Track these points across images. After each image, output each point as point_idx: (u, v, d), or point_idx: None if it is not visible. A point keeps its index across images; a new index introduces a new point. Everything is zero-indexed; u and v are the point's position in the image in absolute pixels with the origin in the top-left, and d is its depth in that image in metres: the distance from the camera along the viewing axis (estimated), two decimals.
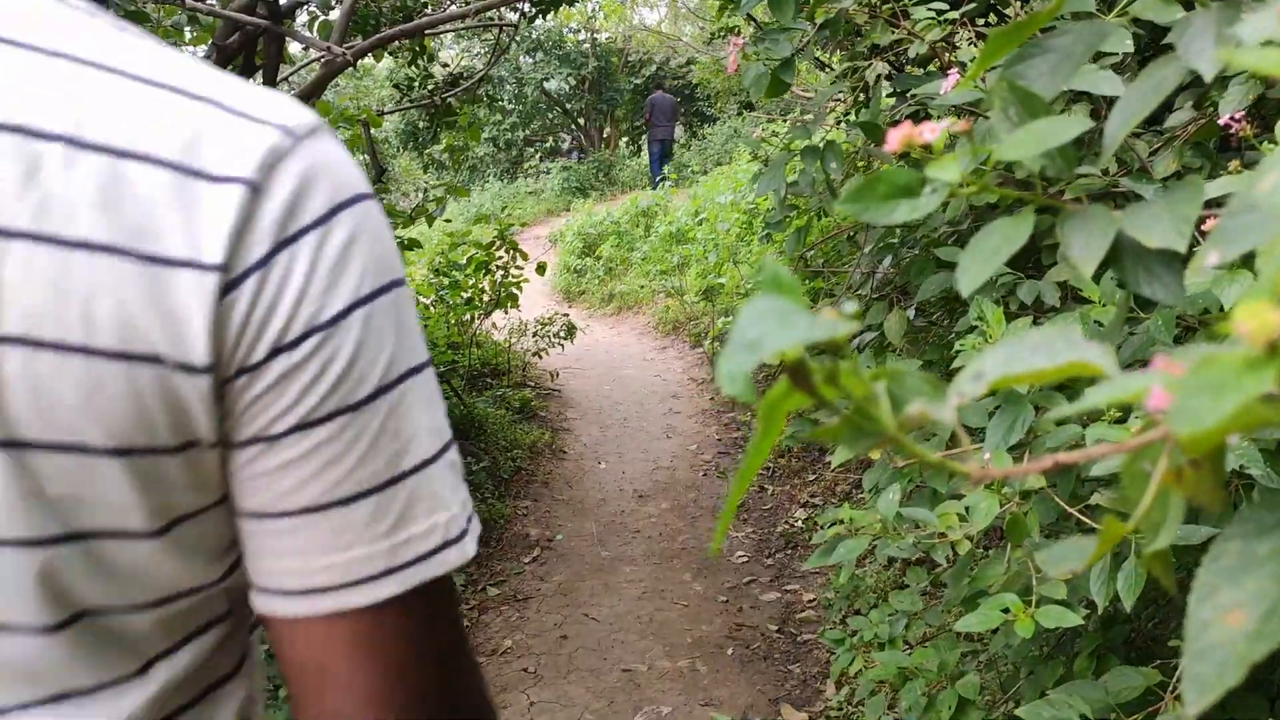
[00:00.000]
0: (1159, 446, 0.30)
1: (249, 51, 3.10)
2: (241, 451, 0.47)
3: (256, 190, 0.44)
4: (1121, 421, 1.26)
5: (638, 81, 16.98)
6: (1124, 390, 0.24)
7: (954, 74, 0.96)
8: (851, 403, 0.26)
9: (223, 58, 2.94)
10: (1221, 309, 1.13)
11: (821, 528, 1.75)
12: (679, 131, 15.95)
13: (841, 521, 1.70)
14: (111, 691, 0.50)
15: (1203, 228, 0.74)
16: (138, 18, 2.65)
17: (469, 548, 0.51)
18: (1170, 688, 1.27)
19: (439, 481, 0.51)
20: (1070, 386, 1.34)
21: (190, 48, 3.28)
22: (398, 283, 0.49)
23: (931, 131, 0.36)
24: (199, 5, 2.71)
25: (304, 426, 0.47)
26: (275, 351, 0.45)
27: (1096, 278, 1.43)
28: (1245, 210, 0.32)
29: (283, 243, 0.45)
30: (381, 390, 0.48)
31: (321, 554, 0.48)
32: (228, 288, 0.44)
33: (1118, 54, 1.37)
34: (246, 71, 3.23)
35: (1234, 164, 1.05)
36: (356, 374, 0.47)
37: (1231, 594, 0.26)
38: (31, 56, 0.43)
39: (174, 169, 0.44)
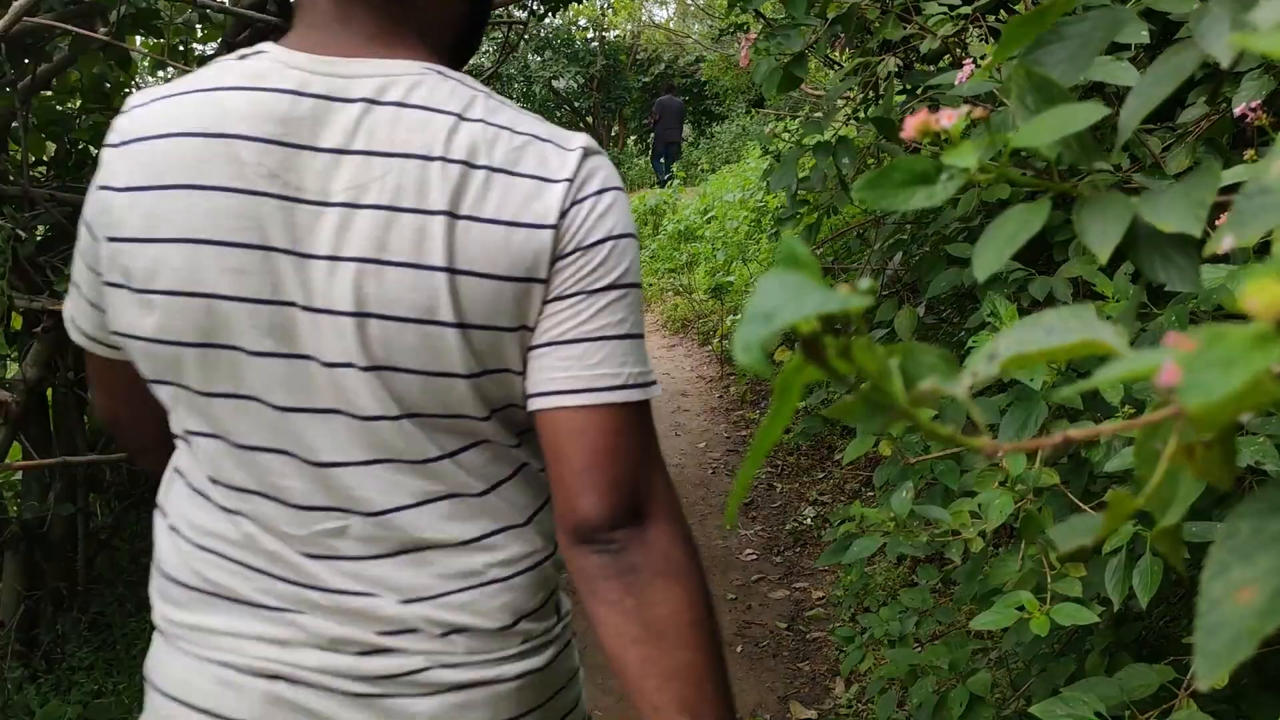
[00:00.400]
0: (1170, 426, 0.30)
1: None
2: (541, 309, 0.85)
3: (571, 182, 0.83)
4: (1136, 418, 1.26)
5: (646, 80, 16.99)
6: (1136, 366, 0.24)
7: (969, 64, 0.96)
8: (866, 380, 0.27)
9: None
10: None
11: (832, 525, 1.75)
12: (686, 130, 15.94)
13: (854, 519, 1.70)
14: (505, 446, 0.90)
15: (1216, 221, 0.73)
16: (149, 15, 2.66)
17: (636, 395, 0.84)
18: (1184, 684, 1.27)
19: (625, 350, 0.85)
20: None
21: (200, 45, 3.29)
22: (631, 236, 0.87)
23: (948, 118, 0.36)
24: (210, 2, 2.72)
25: (559, 298, 0.83)
26: (558, 258, 0.83)
27: (1111, 268, 1.42)
28: (1259, 194, 0.32)
29: (574, 203, 0.83)
30: (608, 288, 0.84)
31: (552, 371, 0.83)
32: (558, 228, 0.82)
33: (1130, 49, 1.37)
34: None
35: (1249, 153, 1.05)
36: (595, 275, 0.84)
37: (1243, 571, 0.26)
38: (469, 124, 0.82)
39: (536, 179, 0.82)
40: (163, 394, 0.90)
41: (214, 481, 0.90)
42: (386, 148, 0.80)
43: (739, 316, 6.90)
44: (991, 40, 1.77)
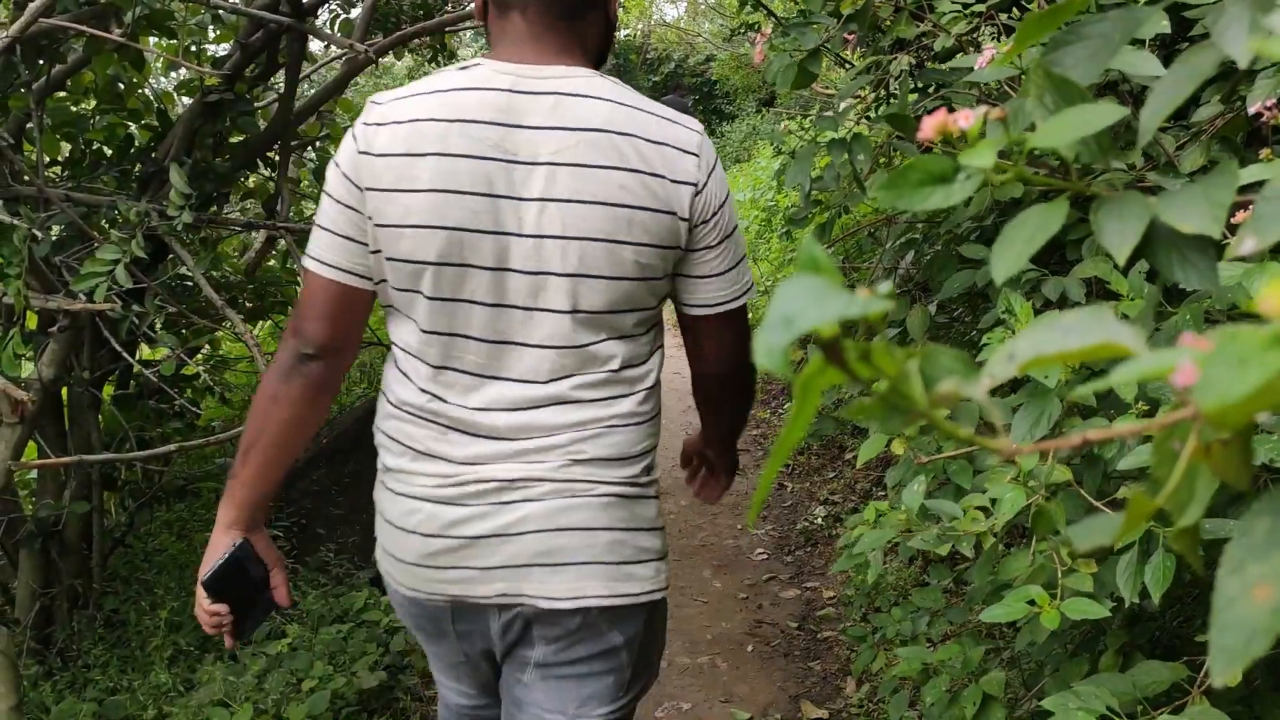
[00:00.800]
0: (1188, 426, 0.30)
1: (272, 50, 3.12)
2: (688, 254, 1.27)
3: (697, 156, 1.24)
4: (1148, 416, 1.25)
5: (656, 79, 16.95)
6: (1153, 366, 0.24)
7: (989, 50, 0.96)
8: (885, 382, 0.27)
9: (245, 56, 2.96)
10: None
11: (847, 528, 1.75)
12: None
13: (866, 522, 1.70)
14: (635, 337, 1.30)
15: (1233, 220, 0.73)
16: (163, 16, 2.67)
17: (753, 293, 1.36)
18: (1198, 682, 1.27)
19: (745, 268, 1.33)
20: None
21: (213, 46, 3.30)
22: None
23: (966, 119, 0.36)
24: (223, 4, 2.73)
25: (709, 246, 1.27)
26: (706, 218, 1.25)
27: (1127, 268, 1.42)
28: (1279, 198, 0.32)
29: (707, 175, 1.24)
30: (732, 232, 1.30)
31: (713, 292, 1.30)
32: (696, 192, 1.23)
33: (1144, 41, 1.36)
34: (270, 70, 3.25)
35: (1265, 151, 1.04)
36: (726, 225, 1.28)
37: (1259, 569, 0.27)
38: (628, 108, 1.23)
39: (677, 149, 1.23)
40: (399, 299, 1.28)
41: (419, 360, 1.30)
42: (576, 124, 1.19)
43: (750, 316, 6.85)
44: (1005, 37, 1.76)
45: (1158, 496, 0.29)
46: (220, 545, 1.35)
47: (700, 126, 1.26)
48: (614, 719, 1.41)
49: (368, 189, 1.22)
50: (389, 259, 1.23)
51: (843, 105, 2.15)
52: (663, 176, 1.21)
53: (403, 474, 1.31)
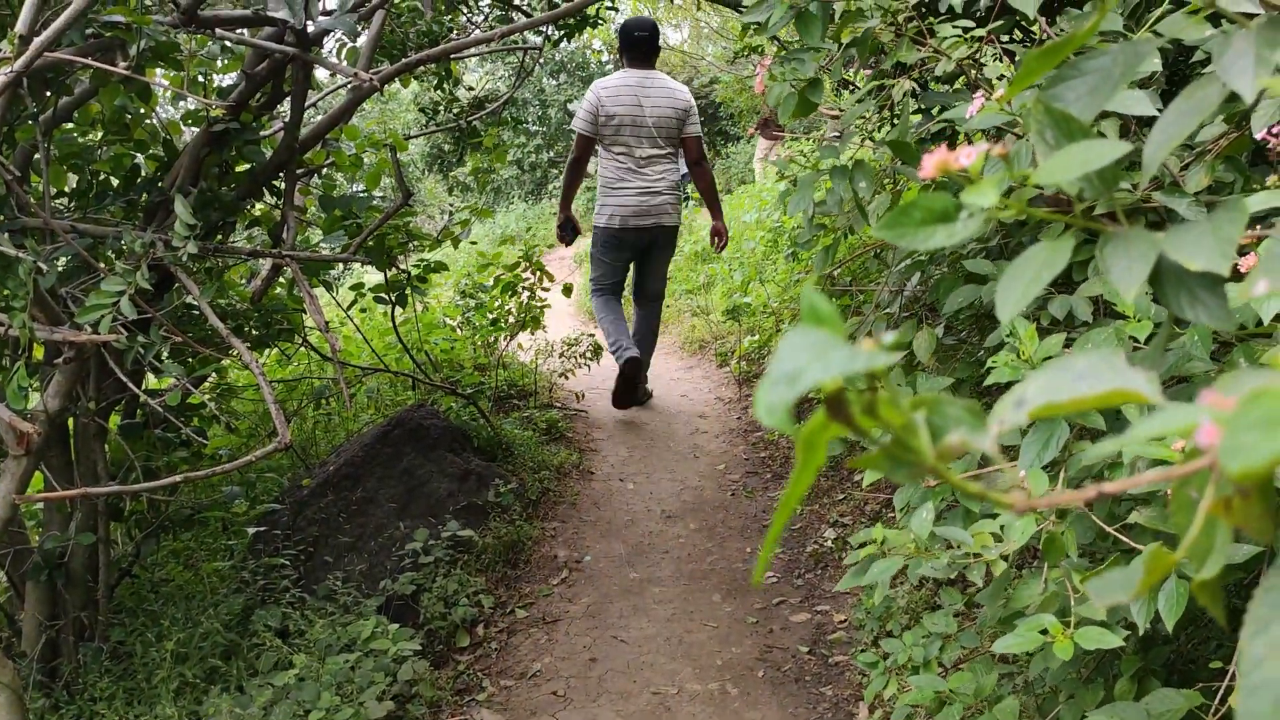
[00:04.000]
0: (1205, 474, 0.29)
1: (277, 79, 3.14)
2: (686, 123, 5.30)
3: (689, 98, 5.39)
4: (1156, 440, 1.24)
5: None
6: (1172, 423, 0.23)
7: (980, 97, 0.95)
8: (891, 432, 0.26)
9: (251, 85, 2.98)
10: (1259, 324, 1.11)
11: (853, 547, 1.73)
12: None
13: (874, 541, 1.68)
14: (673, 149, 5.50)
15: (1240, 242, 0.72)
16: (169, 48, 2.69)
17: (702, 130, 5.44)
18: (1213, 709, 1.25)
19: (699, 126, 5.52)
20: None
21: (220, 76, 3.32)
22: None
23: (968, 157, 0.35)
24: (229, 35, 2.75)
25: (690, 121, 5.41)
26: (691, 112, 5.60)
27: None
28: None
29: (690, 102, 5.37)
30: (696, 115, 5.41)
31: (689, 130, 5.34)
32: (688, 106, 5.30)
33: (1145, 71, 1.36)
34: (275, 98, 3.27)
35: (1272, 178, 1.03)
36: (695, 115, 5.40)
37: None
38: (675, 85, 5.32)
39: (682, 96, 5.33)
40: (609, 139, 5.09)
41: (616, 162, 5.17)
42: (658, 87, 5.09)
43: (755, 338, 6.77)
44: (1006, 60, 1.76)
45: (1175, 545, 0.28)
46: (561, 215, 5.43)
47: (687, 89, 5.21)
48: (669, 257, 5.52)
49: (601, 102, 4.97)
50: (605, 123, 4.99)
51: (844, 130, 2.15)
52: (678, 100, 5.08)
53: (619, 191, 5.11)
